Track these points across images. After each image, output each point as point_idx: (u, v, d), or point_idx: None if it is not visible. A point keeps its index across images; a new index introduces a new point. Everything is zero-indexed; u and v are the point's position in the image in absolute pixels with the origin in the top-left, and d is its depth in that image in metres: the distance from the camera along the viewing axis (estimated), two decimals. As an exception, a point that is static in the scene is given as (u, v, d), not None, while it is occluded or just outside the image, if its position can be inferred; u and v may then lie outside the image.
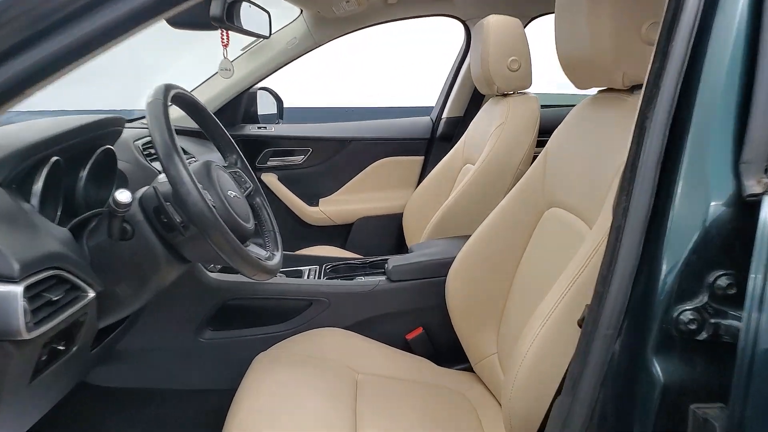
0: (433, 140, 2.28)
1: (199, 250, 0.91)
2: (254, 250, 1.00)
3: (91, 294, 0.81)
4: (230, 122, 2.20)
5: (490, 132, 1.67)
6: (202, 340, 1.28)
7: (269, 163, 2.23)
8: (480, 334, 1.23)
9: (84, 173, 1.00)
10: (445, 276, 1.27)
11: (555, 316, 0.79)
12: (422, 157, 2.29)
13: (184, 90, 0.97)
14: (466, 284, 1.25)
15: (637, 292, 0.58)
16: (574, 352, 0.63)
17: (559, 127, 1.15)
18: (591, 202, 0.94)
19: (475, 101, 2.22)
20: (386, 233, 2.25)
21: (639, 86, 0.91)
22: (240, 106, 2.22)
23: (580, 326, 0.75)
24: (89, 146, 1.02)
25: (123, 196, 0.81)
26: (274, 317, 1.30)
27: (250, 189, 1.11)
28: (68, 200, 0.97)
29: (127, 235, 0.88)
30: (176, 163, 0.80)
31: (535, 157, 1.26)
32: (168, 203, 0.86)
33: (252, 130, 2.22)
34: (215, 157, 1.90)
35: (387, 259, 1.49)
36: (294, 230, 2.25)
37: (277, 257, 1.04)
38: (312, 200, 2.25)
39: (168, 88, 0.91)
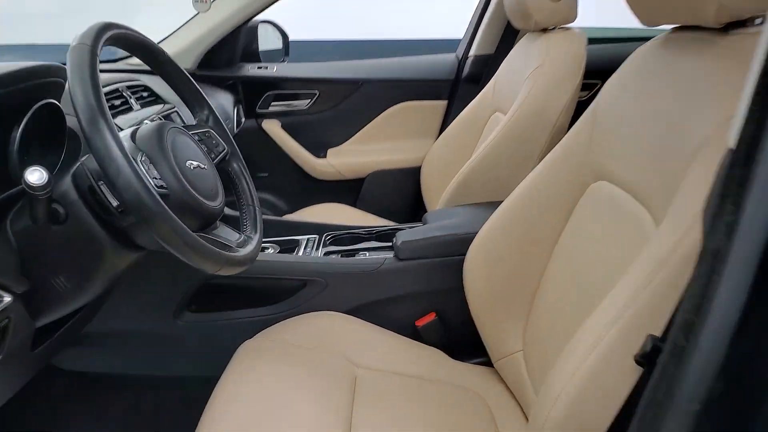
0: (458, 82, 2.04)
1: (151, 236, 0.75)
2: (222, 234, 0.83)
3: (7, 299, 0.66)
4: (227, 62, 2.00)
5: (525, 75, 1.43)
6: (180, 322, 1.15)
7: (271, 108, 2.03)
8: (503, 325, 1.06)
9: (17, 134, 0.83)
10: (464, 255, 1.10)
11: (607, 343, 0.61)
12: (445, 102, 2.06)
13: (127, 29, 0.77)
14: (488, 266, 1.07)
15: (740, 353, 0.39)
16: (631, 425, 0.45)
17: (613, 77, 0.93)
18: (656, 183, 0.73)
19: (508, 37, 1.96)
20: (402, 189, 2.06)
21: (739, 24, 0.67)
22: (238, 42, 2.00)
23: (639, 363, 0.57)
24: (23, 100, 0.85)
25: (34, 176, 0.64)
26: (263, 298, 1.16)
27: (224, 153, 0.93)
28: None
29: (59, 218, 0.72)
30: (102, 132, 0.63)
31: (579, 109, 1.04)
32: (101, 182, 0.69)
33: (252, 70, 2.02)
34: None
35: (396, 230, 1.32)
36: (298, 185, 2.08)
37: (254, 242, 0.87)
38: (319, 151, 2.06)
39: (102, 28, 0.71)
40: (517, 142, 1.37)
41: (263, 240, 1.32)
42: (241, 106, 1.97)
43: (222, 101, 1.80)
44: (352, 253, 1.24)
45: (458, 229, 1.18)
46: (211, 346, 1.17)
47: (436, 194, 1.83)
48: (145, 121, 0.99)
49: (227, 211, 0.97)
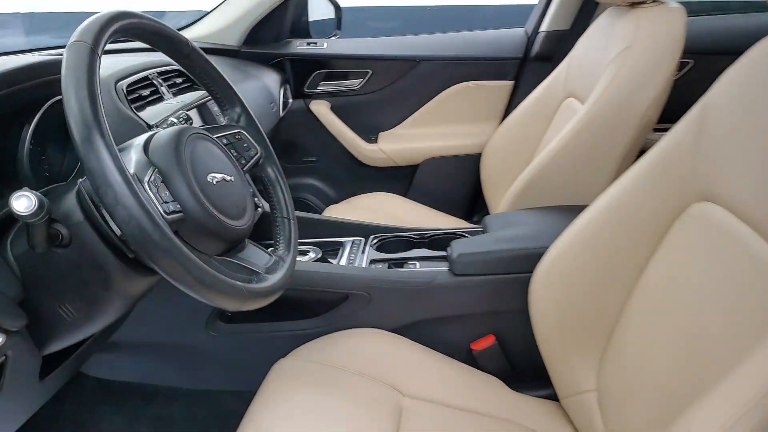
0: (527, 61, 1.86)
1: None
2: (250, 256, 0.73)
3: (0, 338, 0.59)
4: (274, 36, 1.91)
5: (608, 57, 1.26)
6: (213, 334, 1.08)
7: (320, 89, 1.93)
8: (574, 359, 0.93)
9: (28, 135, 0.76)
10: (530, 272, 0.97)
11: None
12: (511, 83, 1.89)
13: (140, 17, 0.67)
14: (559, 290, 0.94)
15: None
16: None
17: (732, 69, 0.76)
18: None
19: (587, 11, 1.76)
20: (459, 179, 1.93)
21: None
22: (286, 15, 1.90)
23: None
24: (34, 98, 0.77)
25: (21, 204, 0.56)
26: (301, 311, 1.07)
27: (256, 157, 0.83)
28: (6, 176, 0.74)
29: (62, 241, 0.64)
30: (98, 151, 0.53)
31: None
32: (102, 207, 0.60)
33: (300, 47, 1.92)
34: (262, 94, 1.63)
35: (452, 235, 1.20)
36: (347, 171, 1.98)
37: (285, 266, 0.77)
38: (369, 135, 1.95)
39: (107, 22, 0.61)
40: (597, 137, 1.20)
41: (302, 241, 1.23)
42: (288, 86, 1.88)
43: (267, 81, 1.71)
44: (401, 262, 1.13)
45: (525, 243, 1.04)
46: (244, 359, 1.10)
47: (498, 186, 1.69)
48: (171, 119, 0.90)
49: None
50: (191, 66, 0.79)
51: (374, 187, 1.89)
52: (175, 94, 1.11)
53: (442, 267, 1.07)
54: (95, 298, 0.68)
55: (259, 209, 1.06)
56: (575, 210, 1.02)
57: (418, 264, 1.11)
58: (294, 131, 1.95)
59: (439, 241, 1.20)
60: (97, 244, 0.64)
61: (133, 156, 0.64)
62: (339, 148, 1.95)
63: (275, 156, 0.87)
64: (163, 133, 0.68)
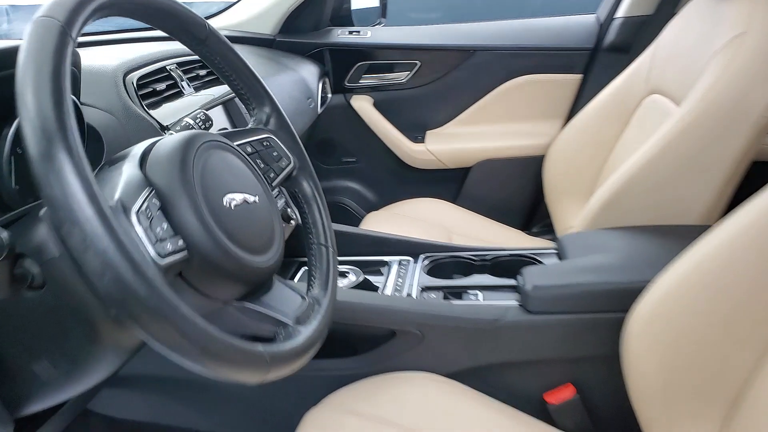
0: (599, 51, 1.66)
1: None
2: (276, 300, 0.58)
3: None
4: (313, 25, 1.76)
5: (712, 48, 1.05)
6: None
7: (362, 82, 1.77)
8: (684, 427, 0.75)
9: (7, 139, 0.62)
10: (624, 312, 0.78)
11: None
12: (579, 76, 1.69)
13: None
14: (666, 336, 0.75)
15: None
16: None
17: None
18: None
19: (675, -8, 1.55)
20: (518, 184, 1.74)
21: None
22: (327, 1, 1.75)
23: None
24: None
25: None
26: (338, 347, 0.91)
27: (288, 169, 0.67)
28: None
29: (33, 282, 0.49)
30: (60, 170, 0.38)
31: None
32: None
33: (341, 36, 1.76)
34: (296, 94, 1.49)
35: (521, 258, 1.02)
36: (391, 174, 1.82)
37: (321, 312, 0.61)
38: (416, 134, 1.78)
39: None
40: (701, 143, 1.00)
41: (341, 259, 1.08)
42: (327, 80, 1.72)
43: (304, 74, 1.56)
44: (459, 291, 0.96)
45: (617, 275, 0.85)
46: (271, 402, 0.95)
47: (564, 195, 1.50)
48: (186, 120, 0.75)
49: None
50: (209, 54, 0.63)
51: (419, 192, 1.72)
52: (197, 89, 0.96)
53: (510, 301, 0.89)
54: (78, 353, 0.53)
55: (292, 221, 0.91)
56: (680, 233, 0.82)
57: (480, 295, 0.93)
58: (332, 129, 1.80)
59: (505, 264, 1.03)
60: (77, 285, 0.49)
61: (125, 171, 0.49)
62: (381, 148, 1.79)
63: (311, 167, 0.71)
64: (166, 141, 0.52)
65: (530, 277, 0.88)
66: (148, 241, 0.44)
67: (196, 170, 0.51)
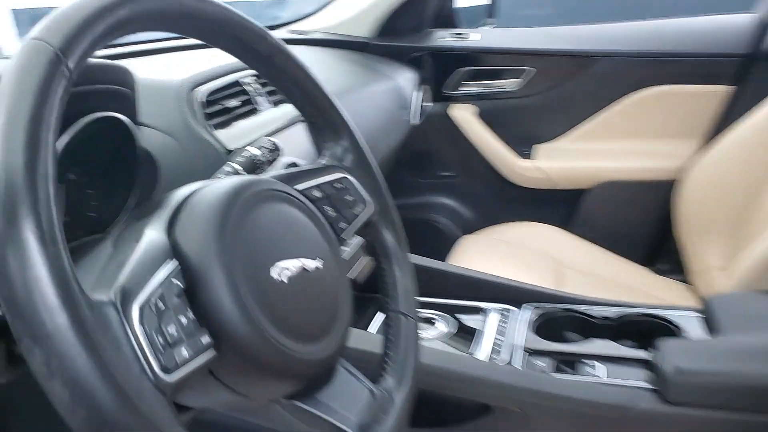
0: (756, 59, 1.39)
1: (201, 392, 0.40)
2: (335, 399, 0.44)
3: None
4: (413, 26, 1.63)
5: None
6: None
7: (463, 89, 1.61)
8: None
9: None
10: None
11: None
12: (727, 88, 1.44)
13: None
14: None
15: None
16: None
17: None
18: None
19: None
20: (643, 212, 1.52)
21: None
22: (429, 1, 1.61)
23: None
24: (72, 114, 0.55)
25: None
26: (417, 417, 0.77)
27: (365, 217, 0.54)
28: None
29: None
30: (23, 249, 0.27)
31: None
32: None
33: (443, 39, 1.62)
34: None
35: (656, 319, 0.83)
36: (491, 193, 1.66)
37: (395, 413, 0.48)
38: (523, 148, 1.60)
39: (102, 9, 0.35)
40: None
41: (425, 301, 0.93)
42: (428, 88, 1.59)
43: (400, 81, 1.43)
44: (572, 361, 0.78)
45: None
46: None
47: (704, 230, 1.30)
48: (249, 149, 0.64)
49: None
50: (275, 75, 0.51)
51: (524, 214, 1.55)
52: (276, 104, 0.86)
53: (641, 381, 0.71)
54: None
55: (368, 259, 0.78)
56: None
57: (603, 369, 0.75)
58: (428, 140, 1.66)
59: (633, 325, 0.84)
60: None
61: (146, 236, 0.37)
62: (483, 163, 1.63)
63: (396, 213, 0.57)
64: (205, 194, 0.40)
65: (671, 354, 0.69)
66: (152, 349, 0.32)
67: (240, 234, 0.39)
